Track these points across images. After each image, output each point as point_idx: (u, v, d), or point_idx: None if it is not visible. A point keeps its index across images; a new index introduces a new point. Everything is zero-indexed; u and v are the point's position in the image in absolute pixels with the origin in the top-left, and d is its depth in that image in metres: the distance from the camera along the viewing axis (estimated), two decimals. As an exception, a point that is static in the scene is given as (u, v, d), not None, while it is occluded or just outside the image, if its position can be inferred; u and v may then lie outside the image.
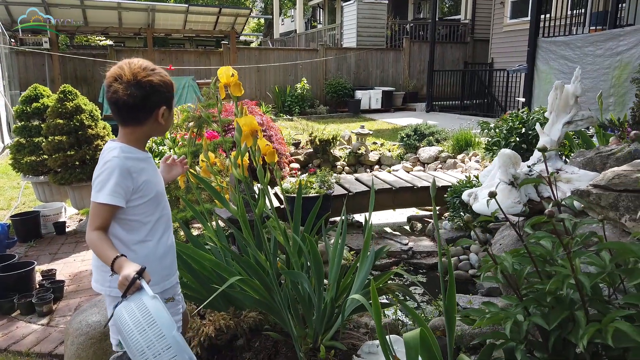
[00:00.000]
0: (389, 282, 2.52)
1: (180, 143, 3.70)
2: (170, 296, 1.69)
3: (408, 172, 6.95)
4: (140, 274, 1.33)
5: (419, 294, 3.27)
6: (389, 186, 4.31)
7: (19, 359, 2.58)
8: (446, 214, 4.70)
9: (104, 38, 18.77)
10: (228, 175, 2.78)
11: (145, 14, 13.37)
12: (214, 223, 2.70)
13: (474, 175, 4.02)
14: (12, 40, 11.56)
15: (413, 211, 5.04)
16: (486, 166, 5.91)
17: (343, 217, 2.46)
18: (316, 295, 2.08)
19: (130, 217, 1.55)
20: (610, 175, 1.97)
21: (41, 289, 3.20)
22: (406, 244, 3.87)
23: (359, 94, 13.85)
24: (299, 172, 6.99)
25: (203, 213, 2.56)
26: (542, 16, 8.83)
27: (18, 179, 6.34)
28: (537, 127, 2.83)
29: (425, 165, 7.08)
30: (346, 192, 4.19)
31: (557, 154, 2.78)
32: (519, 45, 12.58)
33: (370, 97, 13.90)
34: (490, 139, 4.17)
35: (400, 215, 4.95)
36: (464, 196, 3.11)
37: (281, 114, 12.67)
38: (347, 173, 7.21)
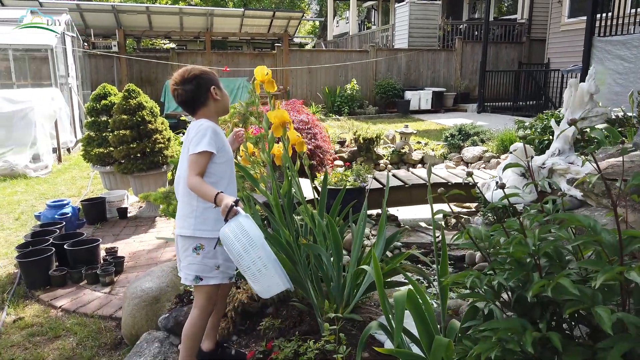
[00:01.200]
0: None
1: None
2: None
3: (448, 170, 7.04)
4: (236, 203, 1.78)
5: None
6: (423, 182, 4.48)
7: (85, 319, 3.00)
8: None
9: (168, 42, 19.87)
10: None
11: (204, 19, 14.10)
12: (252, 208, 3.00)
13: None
14: (85, 44, 12.56)
15: (445, 206, 5.16)
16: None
17: (365, 204, 2.69)
18: (335, 268, 2.32)
19: (213, 171, 1.97)
20: (604, 165, 2.09)
21: (105, 263, 3.64)
22: (437, 237, 4.03)
23: (408, 94, 13.92)
24: (340, 169, 7.24)
25: (243, 199, 2.88)
26: (600, 15, 8.59)
27: (88, 171, 7.01)
28: (552, 123, 2.92)
29: (469, 165, 7.13)
30: (381, 186, 4.39)
31: (571, 148, 2.86)
32: (576, 45, 12.19)
33: (420, 98, 13.93)
34: (524, 136, 4.24)
35: (436, 210, 5.09)
36: (479, 186, 3.24)
37: (330, 114, 12.97)
38: (389, 171, 7.38)
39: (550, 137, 3.84)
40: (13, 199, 5.85)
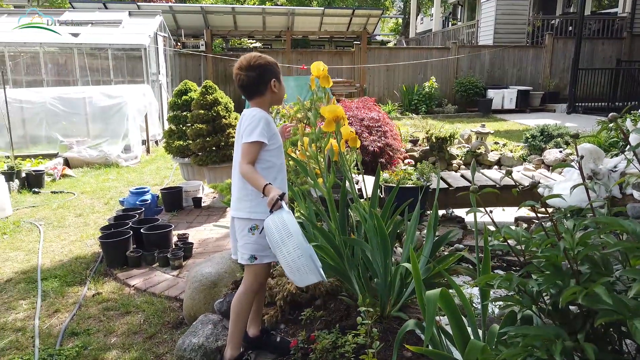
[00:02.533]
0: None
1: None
2: None
3: (526, 172, 6.67)
4: (282, 197, 1.89)
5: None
6: (492, 183, 4.29)
7: (154, 298, 3.24)
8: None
9: (254, 41, 20.62)
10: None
11: (285, 18, 14.48)
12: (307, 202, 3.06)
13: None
14: (178, 43, 13.41)
15: (524, 212, 4.90)
16: (616, 171, 5.46)
17: (418, 205, 2.65)
18: (382, 266, 2.32)
19: (265, 158, 2.08)
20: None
21: (175, 248, 3.90)
22: (491, 240, 3.85)
23: (491, 93, 13.34)
24: (410, 169, 7.12)
25: (300, 193, 2.95)
26: None
27: (171, 162, 7.50)
28: (628, 122, 2.66)
29: (550, 168, 6.71)
30: (447, 186, 4.28)
31: (650, 151, 2.59)
32: (686, 39, 11.02)
33: (504, 97, 13.29)
34: (608, 138, 3.91)
35: (508, 215, 4.85)
36: (540, 189, 3.04)
37: (407, 113, 12.78)
38: (462, 172, 7.14)
39: None
40: (105, 185, 6.42)
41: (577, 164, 1.69)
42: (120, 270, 3.69)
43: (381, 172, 4.76)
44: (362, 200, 2.75)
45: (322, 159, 2.60)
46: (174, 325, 2.90)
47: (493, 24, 14.44)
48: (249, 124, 2.05)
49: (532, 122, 11.46)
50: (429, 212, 4.42)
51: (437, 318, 1.88)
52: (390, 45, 25.86)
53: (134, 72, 9.36)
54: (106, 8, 12.09)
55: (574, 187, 1.48)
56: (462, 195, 4.16)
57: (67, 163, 7.36)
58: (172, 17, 13.79)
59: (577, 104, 12.59)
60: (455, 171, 7.17)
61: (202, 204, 5.43)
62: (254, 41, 20.57)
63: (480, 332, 1.75)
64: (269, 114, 2.16)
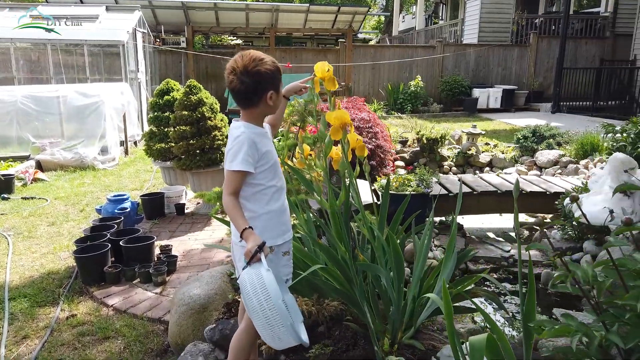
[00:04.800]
0: (475, 287, 2.43)
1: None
2: (287, 250, 1.96)
3: (520, 175, 6.52)
4: (261, 247, 1.63)
5: (515, 304, 3.07)
6: (493, 189, 4.10)
7: (134, 320, 2.94)
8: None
9: (235, 38, 20.18)
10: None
11: (269, 14, 14.15)
12: (306, 214, 2.81)
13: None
14: (157, 39, 12.94)
15: (522, 217, 4.74)
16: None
17: (431, 216, 2.41)
18: (395, 290, 2.08)
19: (256, 181, 1.82)
20: None
21: (158, 261, 3.60)
22: (508, 251, 3.65)
23: (476, 92, 13.24)
24: (402, 171, 6.91)
25: (297, 204, 2.69)
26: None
27: (151, 164, 7.14)
28: None
29: (543, 169, 6.57)
30: (446, 192, 4.07)
31: (685, 162, 2.43)
32: (670, 39, 11.08)
33: (489, 96, 13.22)
34: (614, 144, 3.75)
35: (506, 220, 4.68)
36: (567, 202, 2.85)
37: (392, 112, 12.60)
38: (454, 174, 6.96)
39: (648, 144, 3.36)
40: (80, 190, 6.04)
41: (610, 176, 1.47)
42: (97, 287, 3.37)
43: (378, 177, 4.53)
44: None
45: (320, 168, 2.34)
46: (158, 352, 2.62)
47: (478, 22, 14.35)
48: (231, 147, 1.79)
49: (518, 121, 11.39)
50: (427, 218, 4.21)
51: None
52: (373, 43, 25.70)
53: (111, 70, 8.94)
54: (82, 3, 11.59)
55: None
56: (464, 202, 3.95)
57: (39, 166, 6.95)
58: (152, 12, 13.32)
59: (561, 103, 12.58)
60: (446, 173, 6.99)
61: (186, 211, 5.12)
62: (235, 38, 20.14)
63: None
64: (260, 127, 1.88)
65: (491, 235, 4.30)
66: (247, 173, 1.77)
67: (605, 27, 14.51)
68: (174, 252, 3.90)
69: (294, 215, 2.62)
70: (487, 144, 7.58)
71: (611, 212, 1.15)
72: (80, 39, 8.60)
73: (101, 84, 8.45)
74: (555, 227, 3.96)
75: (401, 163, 6.99)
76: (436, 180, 4.11)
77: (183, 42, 12.77)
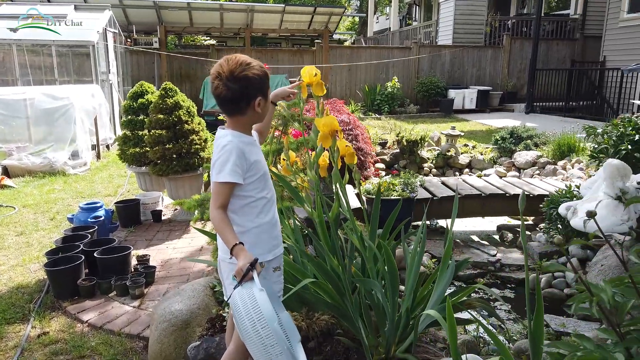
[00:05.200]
0: (471, 295, 2.37)
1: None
2: (277, 265, 1.84)
3: (501, 177, 6.56)
4: (253, 265, 1.51)
5: (505, 310, 3.04)
6: (477, 192, 4.07)
7: (111, 337, 2.78)
8: (541, 225, 4.35)
9: (209, 38, 19.88)
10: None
11: (244, 15, 13.96)
12: (292, 221, 2.71)
13: (575, 185, 3.65)
14: (128, 40, 12.61)
15: (504, 219, 4.74)
16: (591, 175, 5.40)
17: (423, 223, 2.34)
18: (390, 304, 2.00)
19: (245, 193, 1.71)
20: None
21: (135, 273, 3.44)
22: (494, 255, 3.63)
23: (452, 93, 13.36)
24: (383, 173, 6.88)
25: (282, 211, 2.59)
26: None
27: (125, 169, 6.91)
28: None
29: (521, 170, 6.63)
30: (431, 196, 4.02)
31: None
32: (637, 41, 11.37)
33: (465, 97, 13.35)
34: (596, 146, 3.78)
35: (489, 223, 4.67)
36: (561, 209, 2.84)
37: (370, 113, 12.59)
38: (434, 175, 6.97)
39: (630, 146, 3.37)
40: (50, 197, 5.79)
41: (605, 183, 1.43)
42: (71, 302, 3.20)
43: (362, 182, 4.47)
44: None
45: (310, 177, 2.24)
46: (138, 372, 2.48)
47: (452, 24, 14.49)
48: (218, 158, 1.67)
49: (494, 122, 11.53)
50: (416, 223, 4.16)
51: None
52: (348, 43, 25.72)
53: (81, 71, 8.64)
54: (49, 1, 11.18)
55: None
56: (445, 206, 3.92)
57: (6, 172, 6.64)
58: (123, 11, 12.96)
59: (534, 104, 12.80)
60: (427, 174, 6.98)
61: (163, 217, 4.95)
62: (209, 38, 19.85)
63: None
64: (249, 136, 1.77)
65: (475, 238, 4.28)
66: (235, 185, 1.65)
67: (575, 29, 14.84)
68: (151, 262, 3.74)
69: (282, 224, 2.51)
70: (465, 145, 7.61)
71: (589, 214, 1.09)
72: (48, 39, 8.28)
73: (71, 85, 8.14)
74: (540, 229, 3.97)
75: (382, 165, 6.96)
76: (420, 183, 4.06)
77: (156, 42, 12.47)
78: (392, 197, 3.58)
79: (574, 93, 12.87)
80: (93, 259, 3.42)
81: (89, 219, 4.13)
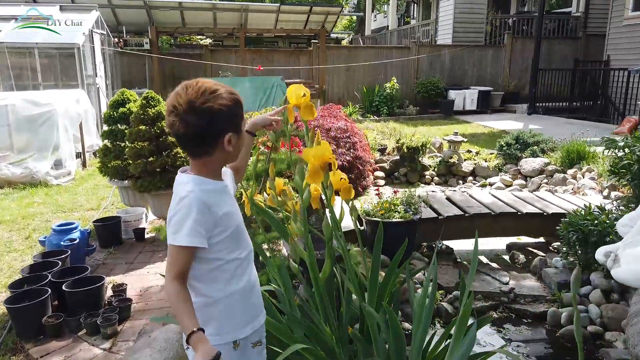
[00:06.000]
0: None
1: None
2: (258, 339, 1.49)
3: (507, 186, 6.23)
4: (217, 358, 1.17)
5: (523, 354, 2.69)
6: (487, 210, 3.72)
7: (77, 388, 2.44)
8: (555, 244, 4.02)
9: (204, 37, 19.46)
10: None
11: (238, 14, 13.58)
12: (284, 250, 2.37)
13: (596, 206, 3.31)
14: (118, 40, 12.21)
15: (513, 237, 4.39)
16: (604, 187, 5.06)
17: (434, 267, 2.00)
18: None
19: (212, 256, 1.36)
20: None
21: (109, 307, 3.09)
22: (506, 283, 3.28)
23: (452, 93, 13.00)
24: (382, 182, 6.53)
25: (268, 240, 2.24)
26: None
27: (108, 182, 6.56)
28: None
29: (528, 178, 6.29)
30: (435, 215, 3.68)
31: None
32: (643, 40, 11.05)
33: (465, 98, 13.00)
34: (617, 160, 3.44)
35: (498, 240, 4.32)
36: (599, 256, 2.50)
37: (368, 115, 12.24)
38: (436, 184, 6.64)
39: (658, 163, 3.04)
40: (28, 211, 5.43)
41: None
42: (35, 343, 2.85)
43: (359, 201, 4.12)
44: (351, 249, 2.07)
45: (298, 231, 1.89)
46: None
47: (452, 22, 14.13)
48: (174, 214, 1.31)
49: (495, 123, 11.19)
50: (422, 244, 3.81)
51: None
52: (345, 42, 25.35)
53: (66, 75, 8.27)
54: (35, 1, 10.79)
55: None
56: (453, 226, 3.58)
57: (-17, 183, 6.28)
58: (112, 12, 12.57)
59: (537, 105, 12.46)
60: (428, 183, 6.65)
61: (146, 235, 4.60)
62: (204, 37, 19.42)
63: None
64: (217, 181, 1.40)
65: (483, 259, 3.94)
66: (197, 249, 1.30)
67: (577, 27, 14.50)
68: (130, 291, 3.41)
69: (266, 264, 2.16)
70: (469, 151, 7.27)
71: None
72: (31, 42, 7.90)
73: (54, 91, 7.78)
74: (554, 249, 3.63)
75: (381, 174, 6.63)
76: (423, 200, 3.72)
77: (147, 43, 12.08)
78: (394, 220, 3.24)
79: (577, 93, 12.54)
80: (63, 291, 3.08)
81: (61, 243, 3.77)
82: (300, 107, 1.67)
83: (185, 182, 1.35)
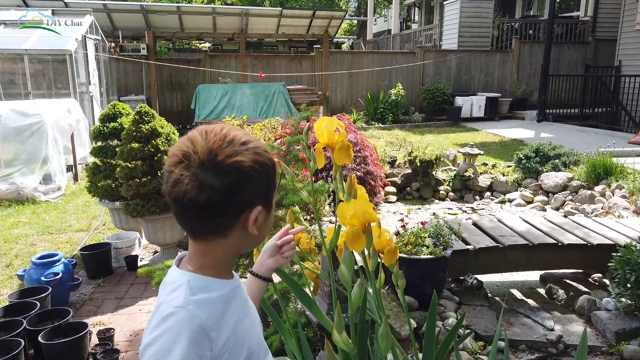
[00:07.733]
0: None
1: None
2: None
3: (528, 202, 5.81)
4: None
5: None
6: (523, 241, 3.29)
7: None
8: (601, 278, 3.58)
9: (203, 41, 19.05)
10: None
11: (239, 19, 13.16)
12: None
13: (656, 240, 2.90)
14: (113, 44, 11.78)
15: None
16: (639, 206, 4.65)
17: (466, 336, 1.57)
18: None
19: None
20: None
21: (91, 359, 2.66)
22: (552, 329, 2.85)
23: (459, 100, 12.60)
24: (394, 198, 6.11)
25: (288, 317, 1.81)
26: None
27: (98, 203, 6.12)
28: None
29: (550, 194, 5.87)
30: (465, 246, 3.25)
31: None
32: (657, 46, 10.68)
33: (472, 104, 12.59)
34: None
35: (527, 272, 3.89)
36: None
37: (373, 122, 11.83)
38: (451, 200, 6.21)
39: None
40: (12, 233, 5.00)
41: None
42: (3, 408, 2.41)
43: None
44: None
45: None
46: None
47: (457, 27, 13.73)
48: (151, 342, 0.85)
49: (505, 131, 10.79)
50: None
51: None
52: (345, 47, 24.99)
53: (58, 83, 7.84)
54: (27, 5, 10.37)
55: None
56: (483, 259, 3.15)
57: (-34, 201, 5.84)
58: (107, 16, 12.12)
59: (547, 111, 12.06)
60: (443, 199, 6.23)
61: (140, 263, 4.17)
62: (203, 41, 19.02)
63: None
64: (225, 279, 0.95)
65: (517, 293, 3.51)
66: None
67: (586, 31, 14.12)
68: (118, 335, 2.99)
69: (284, 338, 1.73)
70: (484, 164, 6.85)
71: None
72: (20, 49, 7.48)
73: (44, 100, 7.35)
74: (597, 284, 3.20)
75: (392, 189, 6.20)
76: (453, 231, 3.28)
77: (144, 48, 11.66)
78: (422, 257, 2.81)
79: (587, 99, 12.13)
80: (39, 341, 2.64)
81: (42, 278, 3.33)
82: (335, 149, 1.24)
83: (174, 286, 0.90)
